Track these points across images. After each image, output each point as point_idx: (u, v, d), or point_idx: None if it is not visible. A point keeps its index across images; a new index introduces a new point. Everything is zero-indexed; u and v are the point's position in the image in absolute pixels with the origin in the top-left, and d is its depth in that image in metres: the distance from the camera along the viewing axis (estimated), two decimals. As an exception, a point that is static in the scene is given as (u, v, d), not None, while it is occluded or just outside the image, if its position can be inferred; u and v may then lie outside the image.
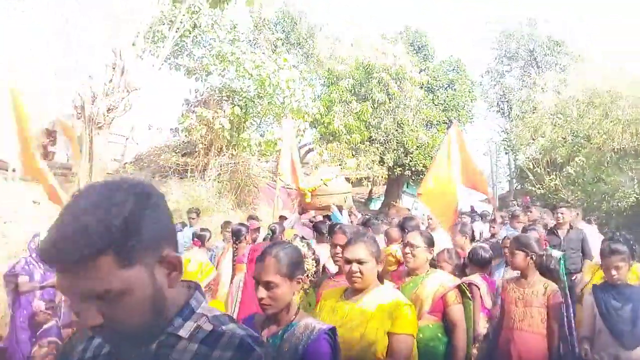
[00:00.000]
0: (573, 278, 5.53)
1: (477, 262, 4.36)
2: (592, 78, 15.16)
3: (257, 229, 7.04)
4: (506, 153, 25.38)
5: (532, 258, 3.66)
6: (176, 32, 11.96)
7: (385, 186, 23.02)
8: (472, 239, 5.68)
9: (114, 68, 10.40)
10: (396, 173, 20.50)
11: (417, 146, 20.00)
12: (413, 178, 21.87)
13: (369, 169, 18.13)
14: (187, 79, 15.77)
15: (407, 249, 3.37)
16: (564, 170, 16.12)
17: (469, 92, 23.39)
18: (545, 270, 3.79)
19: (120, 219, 0.92)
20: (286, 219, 8.73)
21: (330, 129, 17.31)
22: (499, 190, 23.83)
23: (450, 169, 6.94)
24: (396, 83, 17.96)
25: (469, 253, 4.60)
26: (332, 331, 2.00)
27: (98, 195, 0.96)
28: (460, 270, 4.37)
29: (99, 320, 0.94)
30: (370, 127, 18.41)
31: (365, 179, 19.30)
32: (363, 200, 23.61)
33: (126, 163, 15.01)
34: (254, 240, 6.52)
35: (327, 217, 7.75)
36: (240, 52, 13.53)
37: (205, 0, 11.90)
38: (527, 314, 3.55)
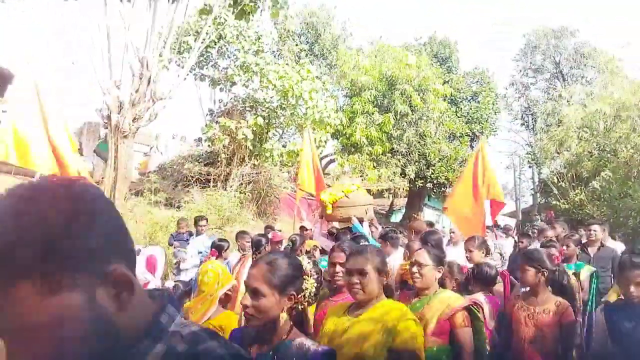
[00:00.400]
0: (602, 299, 5.37)
1: (481, 280, 4.13)
2: (620, 91, 14.90)
3: (280, 242, 6.99)
4: (530, 167, 25.05)
5: (543, 274, 3.46)
6: (202, 42, 12.15)
7: (406, 198, 22.87)
8: (487, 254, 5.49)
9: (140, 78, 10.61)
10: (418, 185, 20.36)
11: (440, 158, 19.86)
12: (435, 191, 21.69)
13: (391, 180, 18.05)
14: (212, 89, 16.01)
15: (415, 268, 3.18)
16: (589, 184, 15.82)
17: (493, 104, 23.17)
18: (558, 287, 3.59)
19: (44, 232, 0.74)
20: (307, 230, 8.71)
21: (352, 140, 17.31)
22: (522, 205, 23.50)
23: (478, 184, 6.88)
24: (419, 95, 17.89)
25: (472, 269, 4.38)
26: (329, 355, 1.89)
27: (14, 204, 0.77)
28: (463, 288, 4.12)
29: None
30: (392, 138, 18.35)
31: (386, 190, 19.20)
32: (384, 212, 23.50)
33: (150, 172, 15.22)
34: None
35: (349, 228, 7.73)
36: (264, 63, 13.68)
37: (230, 12, 12.10)
38: (538, 334, 3.32)
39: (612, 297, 4.03)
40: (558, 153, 17.60)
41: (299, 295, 2.03)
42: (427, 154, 19.47)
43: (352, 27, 22.26)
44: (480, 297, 3.85)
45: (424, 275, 3.11)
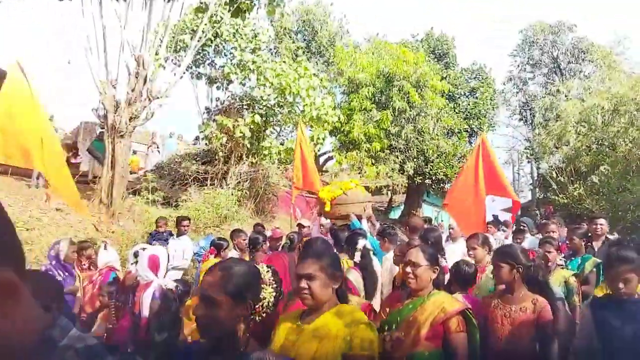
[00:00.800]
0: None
1: (460, 280, 3.96)
2: (617, 85, 14.90)
3: (280, 239, 6.96)
4: (529, 161, 25.11)
5: (518, 270, 3.27)
6: (198, 41, 12.10)
7: (405, 195, 22.86)
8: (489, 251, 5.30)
9: (136, 77, 10.56)
10: (416, 182, 20.34)
11: (438, 154, 19.83)
12: (433, 187, 21.68)
13: (389, 177, 18.03)
14: (209, 87, 15.97)
15: (409, 269, 2.99)
16: (588, 179, 15.85)
17: (491, 99, 23.15)
18: (535, 284, 3.36)
19: None
20: (304, 227, 8.68)
21: (350, 137, 17.28)
22: (521, 200, 23.50)
23: (478, 180, 6.84)
24: (417, 91, 17.86)
25: (450, 269, 4.19)
26: None
27: None
28: (445, 288, 3.80)
29: None
30: (391, 135, 18.31)
31: (385, 187, 19.21)
32: (383, 209, 23.49)
33: (147, 171, 15.18)
34: (274, 249, 6.45)
35: (347, 225, 7.71)
36: (261, 61, 13.63)
37: (227, 10, 12.04)
38: (515, 335, 3.14)
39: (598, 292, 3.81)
40: (556, 148, 17.62)
41: (257, 305, 1.90)
42: (426, 150, 19.45)
43: (349, 24, 22.17)
44: (459, 297, 3.57)
45: (418, 276, 2.96)
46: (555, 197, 16.56)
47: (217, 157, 13.75)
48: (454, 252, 6.83)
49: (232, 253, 6.70)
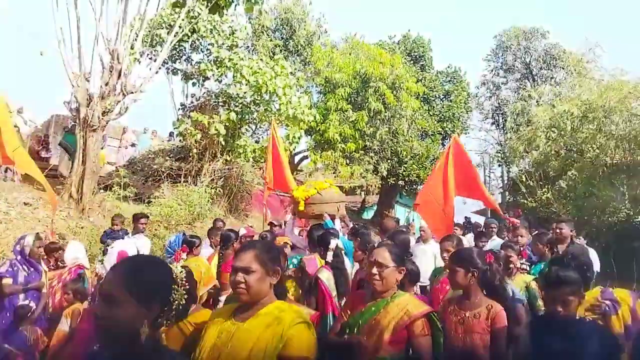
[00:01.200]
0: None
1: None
2: (587, 93, 15.25)
3: (252, 237, 6.91)
4: (499, 165, 25.50)
5: (474, 274, 3.14)
6: (175, 36, 11.98)
7: (378, 195, 23.04)
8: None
9: (110, 70, 10.41)
10: (390, 182, 20.53)
11: (412, 156, 20.07)
12: (406, 188, 21.92)
13: (363, 177, 18.15)
14: (184, 83, 15.82)
15: (374, 269, 2.85)
16: (556, 183, 16.19)
17: (465, 103, 23.49)
18: (491, 290, 3.22)
19: None
20: (275, 225, 8.68)
21: (325, 137, 17.34)
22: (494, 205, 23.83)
23: (448, 181, 6.93)
24: (392, 93, 18.01)
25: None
26: None
27: None
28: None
29: None
30: (366, 136, 18.43)
31: (358, 187, 19.31)
32: (356, 209, 23.62)
33: (119, 166, 14.98)
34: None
35: (320, 225, 7.74)
36: (238, 58, 13.56)
37: (204, 6, 11.96)
38: (468, 342, 2.99)
39: None
40: (527, 152, 17.94)
41: (166, 308, 1.70)
42: (400, 152, 19.66)
43: (327, 24, 22.20)
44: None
45: (384, 278, 2.83)
46: (525, 201, 16.87)
47: (191, 154, 13.65)
48: (425, 253, 6.95)
49: (206, 251, 6.67)
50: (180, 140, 15.02)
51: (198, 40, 14.91)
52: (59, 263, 5.95)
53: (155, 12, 12.92)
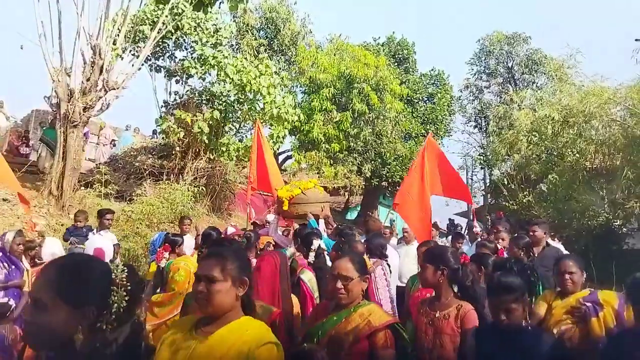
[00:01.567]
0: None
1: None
2: (568, 98, 15.47)
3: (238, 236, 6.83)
4: (482, 168, 25.76)
5: (443, 273, 3.02)
6: (158, 32, 11.84)
7: (362, 196, 23.08)
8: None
9: (92, 66, 10.26)
10: (373, 183, 20.59)
11: (395, 158, 20.15)
12: (390, 189, 21.98)
13: (347, 178, 18.18)
14: (167, 80, 15.66)
15: (339, 284, 2.66)
16: (537, 187, 16.41)
17: (448, 106, 23.66)
18: (463, 290, 3.11)
19: None
20: (258, 225, 8.62)
21: (309, 137, 17.32)
22: (474, 205, 24.08)
23: (424, 180, 6.94)
24: (377, 94, 18.06)
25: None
26: None
27: None
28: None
29: None
30: (350, 136, 18.46)
31: (342, 188, 19.33)
32: (340, 209, 23.63)
33: (100, 163, 14.77)
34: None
35: (304, 225, 7.71)
36: (222, 56, 13.46)
37: (189, 3, 11.85)
38: (437, 344, 2.88)
39: (540, 308, 3.67)
40: (508, 155, 18.14)
41: (104, 312, 1.54)
42: (383, 153, 19.72)
43: (312, 24, 22.18)
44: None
45: (350, 291, 2.66)
46: (506, 203, 17.06)
47: (174, 152, 13.52)
48: (408, 254, 6.94)
49: (190, 250, 6.59)
50: (163, 138, 14.86)
51: (182, 37, 14.76)
52: (36, 260, 5.86)
53: (139, 8, 12.78)
